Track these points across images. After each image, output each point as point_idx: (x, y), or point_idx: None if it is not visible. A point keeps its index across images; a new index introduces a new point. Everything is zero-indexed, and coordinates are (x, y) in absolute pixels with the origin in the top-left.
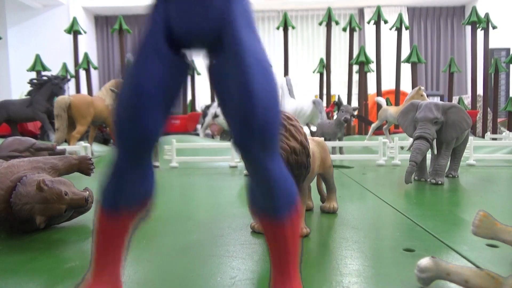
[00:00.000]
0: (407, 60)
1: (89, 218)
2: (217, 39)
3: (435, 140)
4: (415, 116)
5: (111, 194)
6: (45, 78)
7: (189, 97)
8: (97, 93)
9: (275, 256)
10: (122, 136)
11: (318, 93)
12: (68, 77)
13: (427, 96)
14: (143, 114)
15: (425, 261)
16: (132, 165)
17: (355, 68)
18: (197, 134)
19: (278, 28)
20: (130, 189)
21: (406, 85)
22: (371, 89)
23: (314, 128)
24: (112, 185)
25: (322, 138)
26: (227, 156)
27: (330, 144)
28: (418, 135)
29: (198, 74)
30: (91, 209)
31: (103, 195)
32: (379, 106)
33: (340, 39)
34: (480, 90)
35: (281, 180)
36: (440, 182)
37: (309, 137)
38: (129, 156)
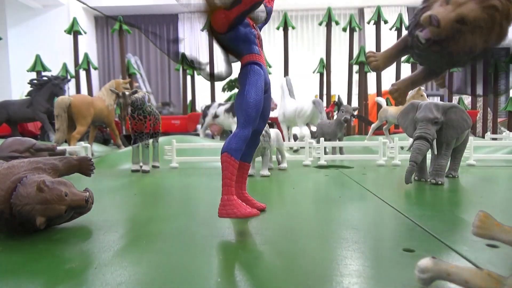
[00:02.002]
0: (407, 60)
1: (89, 219)
2: None
3: (435, 140)
4: (415, 116)
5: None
6: (45, 78)
7: (189, 98)
8: (97, 94)
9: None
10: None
11: (318, 93)
12: (68, 77)
13: (427, 96)
14: None
15: (425, 262)
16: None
17: (355, 68)
18: (197, 134)
19: (278, 28)
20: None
21: None
22: (371, 89)
23: (314, 128)
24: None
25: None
26: None
27: (330, 144)
28: (418, 135)
29: (198, 74)
30: (91, 209)
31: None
32: (379, 106)
33: (340, 39)
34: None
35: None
36: (440, 182)
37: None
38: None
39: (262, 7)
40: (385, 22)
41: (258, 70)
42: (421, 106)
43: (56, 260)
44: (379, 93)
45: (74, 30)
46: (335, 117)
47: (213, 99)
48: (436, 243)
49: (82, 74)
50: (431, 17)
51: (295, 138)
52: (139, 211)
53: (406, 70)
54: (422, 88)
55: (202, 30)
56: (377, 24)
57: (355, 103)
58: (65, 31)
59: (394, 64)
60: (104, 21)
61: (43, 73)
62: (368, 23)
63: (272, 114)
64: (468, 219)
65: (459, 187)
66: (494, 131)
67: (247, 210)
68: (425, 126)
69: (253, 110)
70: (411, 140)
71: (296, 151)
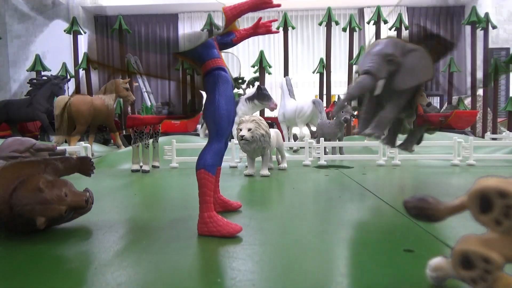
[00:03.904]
0: None
1: (89, 219)
2: None
3: (382, 81)
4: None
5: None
6: (45, 78)
7: (189, 98)
8: (97, 93)
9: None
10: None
11: (318, 93)
12: (68, 77)
13: (427, 96)
14: None
15: (436, 260)
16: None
17: (355, 68)
18: (197, 134)
19: (278, 28)
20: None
21: None
22: None
23: (314, 128)
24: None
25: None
26: (227, 156)
27: (330, 144)
28: (365, 69)
29: (198, 74)
30: (91, 210)
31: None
32: None
33: (340, 39)
34: (480, 90)
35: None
36: (375, 134)
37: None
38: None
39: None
40: (385, 22)
41: (226, 77)
42: (380, 42)
43: (56, 260)
44: None
45: (74, 30)
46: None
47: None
48: (436, 243)
49: (82, 74)
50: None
51: (295, 138)
52: (139, 211)
53: None
54: (422, 87)
55: (203, 30)
56: (377, 24)
57: (355, 103)
58: (64, 30)
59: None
60: (104, 21)
61: (43, 73)
62: (368, 23)
63: (272, 114)
64: (468, 219)
65: (459, 187)
66: (494, 131)
67: (230, 228)
68: (376, 60)
69: (225, 121)
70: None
71: (296, 151)
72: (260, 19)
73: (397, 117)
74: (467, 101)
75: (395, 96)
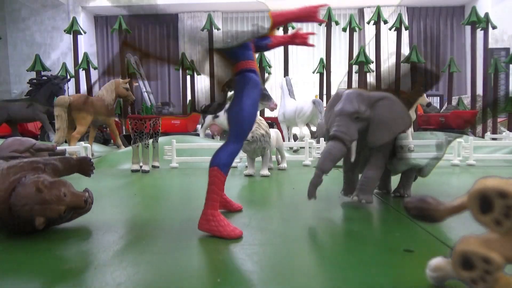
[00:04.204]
0: (407, 60)
1: (88, 219)
2: None
3: (354, 143)
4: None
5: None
6: (45, 78)
7: (189, 98)
8: (97, 93)
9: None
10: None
11: (318, 93)
12: (68, 77)
13: (427, 96)
14: None
15: (436, 261)
16: None
17: (355, 68)
18: (197, 134)
19: (278, 28)
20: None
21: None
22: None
23: (314, 128)
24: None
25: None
26: None
27: None
28: (331, 134)
29: (198, 74)
30: (90, 210)
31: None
32: None
33: (340, 39)
34: (479, 90)
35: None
36: (363, 201)
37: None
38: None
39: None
40: (385, 22)
41: (256, 80)
42: (342, 96)
43: (55, 260)
44: None
45: (73, 30)
46: None
47: (212, 99)
48: (436, 243)
49: (82, 74)
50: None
51: (295, 138)
52: (138, 211)
53: None
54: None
55: (202, 30)
56: (377, 24)
57: None
58: (64, 30)
59: (394, 64)
60: (104, 21)
61: (43, 73)
62: (368, 23)
63: (272, 114)
64: (468, 219)
65: (459, 188)
66: (494, 131)
67: (231, 231)
68: (341, 123)
69: (248, 125)
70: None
71: (296, 151)
72: (299, 29)
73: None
74: (467, 101)
75: (374, 152)
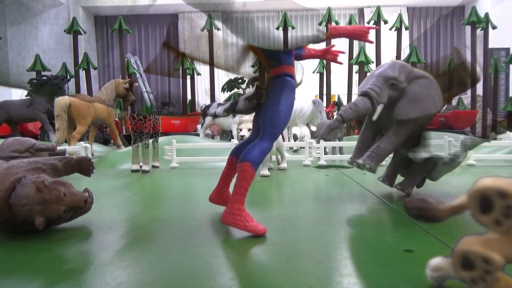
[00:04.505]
0: (407, 60)
1: (88, 219)
2: None
3: (381, 106)
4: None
5: (259, 163)
6: (45, 78)
7: (189, 98)
8: (97, 94)
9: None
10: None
11: (318, 93)
12: (68, 77)
13: None
14: None
15: (436, 260)
16: None
17: (355, 68)
18: (197, 134)
19: (278, 28)
20: None
21: None
22: None
23: (314, 128)
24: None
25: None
26: (227, 156)
27: (330, 144)
28: (363, 90)
29: (198, 74)
30: (90, 210)
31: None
32: None
33: (340, 39)
34: (480, 90)
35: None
36: (367, 166)
37: None
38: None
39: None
40: (385, 22)
41: (293, 86)
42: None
43: (55, 260)
44: None
45: (74, 30)
46: (335, 117)
47: (213, 99)
48: (436, 243)
49: (82, 74)
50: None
51: (295, 138)
52: (139, 211)
53: None
54: None
55: (202, 30)
56: (377, 24)
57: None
58: (64, 30)
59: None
60: (104, 21)
61: (43, 73)
62: (368, 23)
63: None
64: (468, 219)
65: (459, 187)
66: (494, 131)
67: (256, 227)
68: (377, 83)
69: (283, 127)
70: None
71: (296, 151)
72: (332, 46)
73: (399, 151)
74: (467, 101)
75: (396, 125)
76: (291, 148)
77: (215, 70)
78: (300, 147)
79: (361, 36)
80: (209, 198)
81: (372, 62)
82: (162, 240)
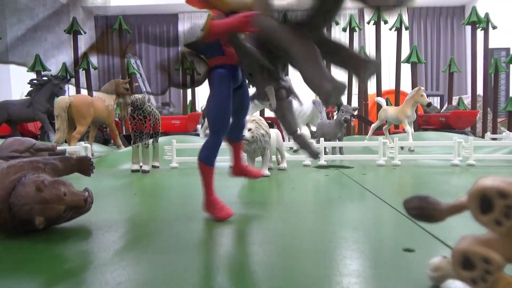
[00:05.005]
0: (407, 60)
1: (88, 218)
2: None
3: None
4: None
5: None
6: (45, 78)
7: (189, 98)
8: (97, 94)
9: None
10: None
11: None
12: (68, 77)
13: (427, 96)
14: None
15: (436, 260)
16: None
17: None
18: (197, 134)
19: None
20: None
21: (406, 85)
22: (371, 89)
23: (314, 128)
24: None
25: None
26: (227, 156)
27: (330, 144)
28: None
29: (198, 74)
30: (90, 209)
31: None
32: (379, 106)
33: (340, 39)
34: (480, 90)
35: None
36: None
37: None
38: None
39: None
40: (385, 22)
41: (222, 76)
42: None
43: (55, 260)
44: (379, 93)
45: (74, 30)
46: (335, 117)
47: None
48: (436, 243)
49: (82, 74)
50: None
51: None
52: (138, 211)
53: (406, 70)
54: (422, 88)
55: (202, 30)
56: (377, 24)
57: (355, 103)
58: (64, 30)
59: (394, 63)
60: (104, 21)
61: (43, 73)
62: (368, 23)
63: (272, 114)
64: (468, 219)
65: (459, 187)
66: (494, 131)
67: (221, 213)
68: None
69: (217, 119)
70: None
71: (296, 151)
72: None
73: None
74: (467, 101)
75: None
76: (291, 148)
77: None
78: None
79: (243, 27)
80: (231, 172)
81: None
82: (162, 240)
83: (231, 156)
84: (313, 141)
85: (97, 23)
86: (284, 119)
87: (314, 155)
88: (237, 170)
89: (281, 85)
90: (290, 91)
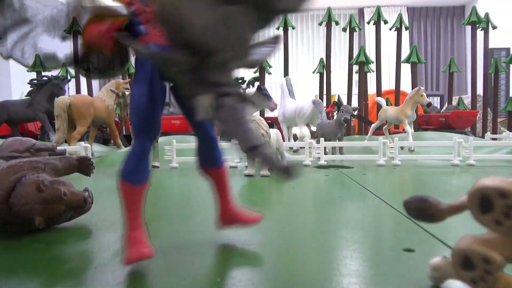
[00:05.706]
0: (407, 60)
1: (88, 218)
2: None
3: None
4: None
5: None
6: (45, 78)
7: None
8: (97, 94)
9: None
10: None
11: (318, 93)
12: (68, 77)
13: (427, 96)
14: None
15: (436, 260)
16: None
17: (355, 68)
18: None
19: (278, 28)
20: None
21: (406, 85)
22: (371, 89)
23: (314, 128)
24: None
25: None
26: (227, 156)
27: (330, 144)
28: None
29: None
30: (90, 209)
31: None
32: (379, 106)
33: (340, 39)
34: (480, 90)
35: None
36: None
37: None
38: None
39: None
40: (385, 22)
41: (141, 61)
42: None
43: (55, 260)
44: (379, 93)
45: (74, 30)
46: (335, 117)
47: None
48: (436, 243)
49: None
50: None
51: (295, 138)
52: None
53: (406, 70)
54: (422, 88)
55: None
56: (377, 24)
57: (355, 103)
58: (64, 30)
59: (394, 64)
60: None
61: (43, 73)
62: (368, 23)
63: (272, 114)
64: (468, 219)
65: (459, 187)
66: (494, 131)
67: (132, 254)
68: None
69: (138, 116)
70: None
71: (296, 151)
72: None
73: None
74: (467, 101)
75: None
76: (291, 148)
77: None
78: (300, 147)
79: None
80: (218, 221)
81: (372, 62)
82: (161, 240)
83: (213, 193)
84: (312, 141)
85: None
86: (233, 133)
87: (286, 171)
88: (226, 216)
89: (222, 92)
90: (242, 98)
